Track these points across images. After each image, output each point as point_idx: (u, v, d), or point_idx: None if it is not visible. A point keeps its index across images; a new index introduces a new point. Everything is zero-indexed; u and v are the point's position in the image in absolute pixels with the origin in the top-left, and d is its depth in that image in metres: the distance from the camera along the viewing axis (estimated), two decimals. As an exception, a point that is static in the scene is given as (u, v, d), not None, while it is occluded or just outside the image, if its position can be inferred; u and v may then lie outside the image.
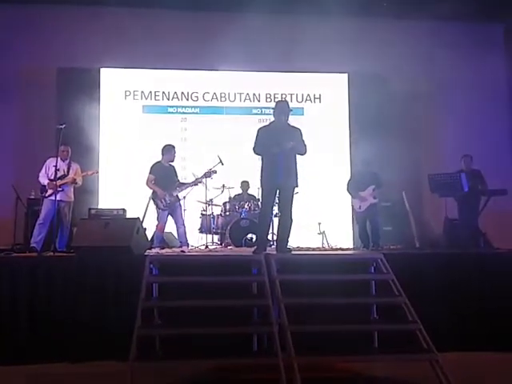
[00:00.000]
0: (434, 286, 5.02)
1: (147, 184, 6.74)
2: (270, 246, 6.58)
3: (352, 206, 7.37)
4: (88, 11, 8.56)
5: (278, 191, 5.33)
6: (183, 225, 6.79)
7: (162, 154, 6.87)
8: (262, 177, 5.29)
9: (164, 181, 6.71)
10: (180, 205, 6.85)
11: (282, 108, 5.29)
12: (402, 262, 4.99)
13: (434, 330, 4.23)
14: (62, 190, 6.56)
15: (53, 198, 6.37)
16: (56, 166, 6.24)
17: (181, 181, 7.04)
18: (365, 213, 7.08)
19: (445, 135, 9.09)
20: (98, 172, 7.22)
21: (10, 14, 8.39)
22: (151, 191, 6.74)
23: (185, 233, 6.81)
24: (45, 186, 6.60)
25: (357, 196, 7.15)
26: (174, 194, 6.72)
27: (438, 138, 9.13)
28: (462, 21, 8.89)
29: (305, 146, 5.27)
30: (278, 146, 5.05)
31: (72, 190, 6.78)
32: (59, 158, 6.53)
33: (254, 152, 5.30)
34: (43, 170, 6.70)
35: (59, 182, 6.49)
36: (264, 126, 5.43)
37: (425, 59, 9.02)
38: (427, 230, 8.24)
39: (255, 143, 5.27)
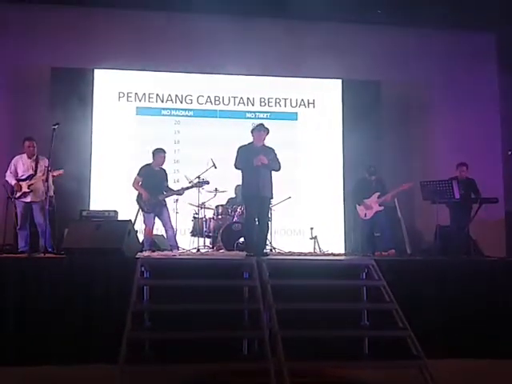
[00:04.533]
0: (425, 292, 5.03)
1: (133, 185, 6.77)
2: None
3: (358, 213, 7.34)
4: (83, 12, 8.54)
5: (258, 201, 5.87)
6: (172, 228, 6.81)
7: (153, 157, 6.90)
8: (243, 189, 6.04)
9: (151, 184, 6.73)
10: (167, 208, 6.86)
11: (260, 130, 5.98)
12: (394, 269, 5.00)
13: (424, 337, 4.24)
14: (31, 191, 6.41)
15: (24, 199, 6.35)
16: (49, 166, 6.16)
17: (170, 186, 7.04)
18: (371, 220, 7.13)
19: (438, 143, 9.15)
20: (62, 173, 6.55)
21: (5, 14, 8.34)
22: (137, 193, 6.77)
23: (174, 236, 6.82)
24: (13, 186, 6.46)
25: (362, 204, 7.19)
26: (160, 199, 6.72)
27: (431, 145, 9.19)
28: (454, 29, 8.97)
29: (279, 163, 5.97)
30: (258, 161, 5.74)
31: (42, 189, 6.39)
32: (26, 156, 6.44)
33: (236, 167, 5.94)
34: (10, 169, 6.54)
35: (28, 183, 6.38)
36: (244, 146, 6.01)
37: (418, 67, 9.08)
38: (419, 237, 8.28)
39: (236, 160, 5.91)
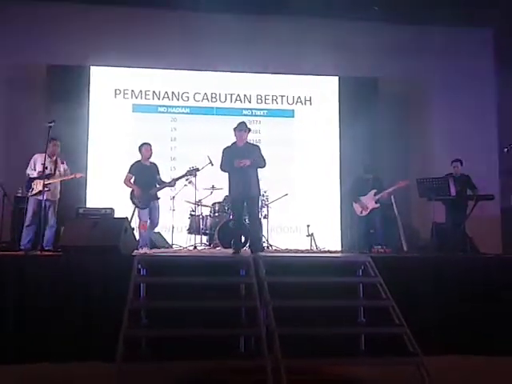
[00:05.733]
0: (422, 289, 5.05)
1: (124, 183, 6.77)
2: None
3: (354, 210, 7.36)
4: (79, 8, 8.51)
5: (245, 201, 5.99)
6: (156, 225, 6.85)
7: (140, 153, 6.91)
8: (230, 190, 6.04)
9: (143, 180, 6.74)
10: (158, 204, 6.83)
11: (241, 128, 6.02)
12: (390, 266, 5.02)
13: (420, 334, 4.26)
14: (49, 190, 6.47)
15: (38, 197, 6.33)
16: (44, 165, 6.19)
17: (163, 180, 7.04)
18: (367, 218, 7.15)
19: (435, 140, 9.17)
20: (82, 176, 7.01)
21: (0, 11, 8.31)
22: (130, 190, 6.78)
23: (152, 234, 6.87)
24: (31, 182, 6.48)
25: (358, 201, 7.20)
26: (153, 193, 6.74)
27: (428, 142, 9.21)
28: (452, 25, 8.97)
29: (264, 160, 5.99)
30: (239, 163, 5.78)
31: (58, 188, 6.67)
32: (46, 155, 6.48)
33: (221, 169, 6.03)
34: (31, 166, 6.59)
35: (46, 182, 6.41)
36: (228, 147, 6.07)
37: (415, 63, 9.08)
38: (415, 234, 8.30)
39: (221, 162, 6.01)
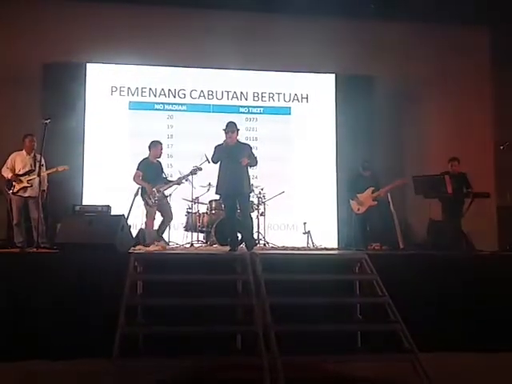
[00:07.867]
0: (418, 286, 5.07)
1: (134, 180, 6.71)
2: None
3: (351, 207, 7.37)
4: (75, 6, 8.46)
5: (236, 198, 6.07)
6: (170, 220, 6.79)
7: (149, 150, 6.86)
8: (217, 185, 6.08)
9: (151, 177, 6.70)
10: (168, 201, 6.83)
11: (231, 128, 6.10)
12: (386, 263, 5.03)
13: (416, 330, 4.27)
14: (31, 186, 6.42)
15: (20, 194, 6.37)
16: (40, 162, 6.18)
17: (168, 178, 7.03)
18: (364, 215, 7.15)
19: (430, 137, 9.18)
20: (67, 169, 6.78)
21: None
22: (137, 188, 6.73)
23: (166, 228, 6.81)
24: (10, 180, 6.45)
25: (355, 198, 7.21)
26: (162, 191, 6.72)
27: (424, 139, 9.21)
28: (448, 23, 8.97)
29: (255, 158, 6.10)
30: (235, 161, 5.88)
31: (38, 184, 6.47)
32: (24, 152, 6.47)
33: (213, 162, 6.12)
34: (7, 165, 6.55)
35: (27, 178, 6.40)
36: (220, 144, 6.15)
37: (411, 61, 9.09)
38: (411, 232, 8.33)
39: (213, 156, 6.12)
